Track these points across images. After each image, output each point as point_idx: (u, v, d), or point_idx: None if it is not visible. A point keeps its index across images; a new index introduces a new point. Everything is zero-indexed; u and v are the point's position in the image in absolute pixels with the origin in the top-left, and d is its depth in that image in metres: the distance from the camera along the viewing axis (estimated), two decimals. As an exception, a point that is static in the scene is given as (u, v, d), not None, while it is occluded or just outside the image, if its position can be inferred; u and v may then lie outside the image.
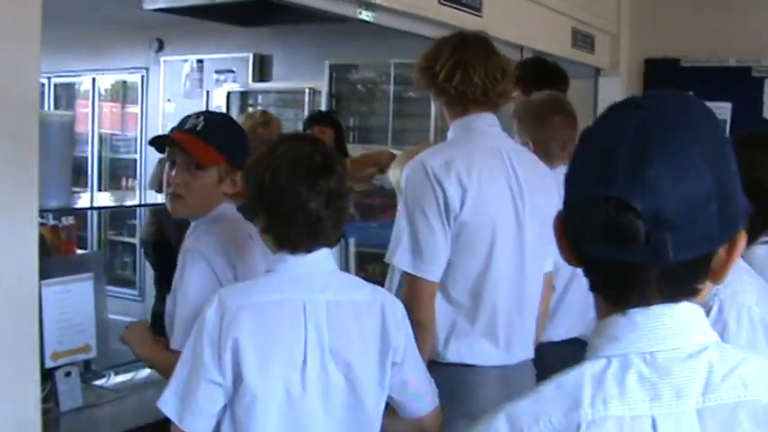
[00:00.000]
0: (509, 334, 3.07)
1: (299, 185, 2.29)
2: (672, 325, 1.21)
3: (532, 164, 3.20)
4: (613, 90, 7.10)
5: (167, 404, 2.32)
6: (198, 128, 2.76)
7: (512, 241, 3.02)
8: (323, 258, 2.39)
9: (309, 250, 2.35)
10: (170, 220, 6.82)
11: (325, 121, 6.02)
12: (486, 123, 3.11)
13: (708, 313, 1.80)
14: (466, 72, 3.05)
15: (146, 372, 3.44)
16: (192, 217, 2.84)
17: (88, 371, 3.14)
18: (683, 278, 1.22)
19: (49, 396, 2.90)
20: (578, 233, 1.27)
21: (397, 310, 2.46)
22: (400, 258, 2.92)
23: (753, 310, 2.14)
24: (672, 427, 1.14)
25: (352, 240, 4.92)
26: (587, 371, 1.21)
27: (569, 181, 1.30)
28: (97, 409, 3.03)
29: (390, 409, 2.54)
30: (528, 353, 3.17)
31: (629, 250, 1.18)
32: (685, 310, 1.22)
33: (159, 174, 6.85)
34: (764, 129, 6.27)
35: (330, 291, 2.36)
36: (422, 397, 2.54)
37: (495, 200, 3.01)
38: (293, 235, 2.34)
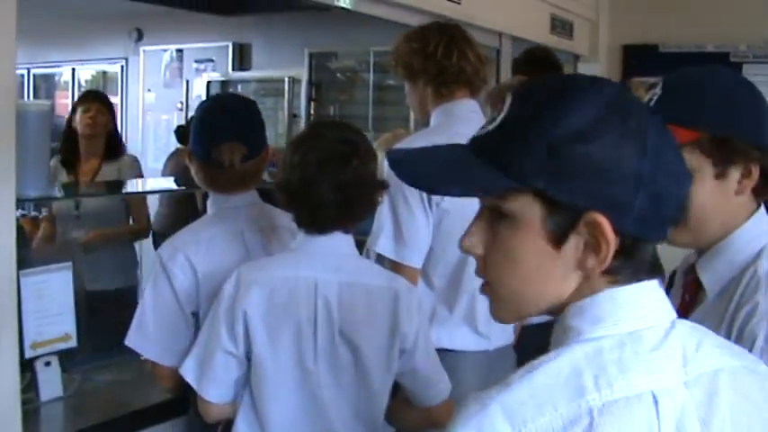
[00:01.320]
0: (488, 320, 3.07)
1: (310, 167, 2.35)
2: (647, 302, 1.21)
3: None
4: (592, 76, 7.11)
5: (188, 370, 2.47)
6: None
7: None
8: (342, 241, 2.45)
9: (321, 232, 2.41)
10: (182, 211, 6.83)
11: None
12: (467, 109, 3.13)
13: (752, 344, 1.68)
14: (462, 50, 3.07)
15: (127, 362, 3.44)
16: None
17: (69, 361, 3.13)
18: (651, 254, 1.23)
19: (30, 386, 2.90)
20: None
21: (413, 299, 2.51)
22: (383, 245, 2.94)
23: None
24: (669, 400, 1.14)
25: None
26: (579, 354, 1.16)
27: None
28: (78, 398, 3.03)
29: (403, 398, 2.59)
30: (507, 338, 3.19)
31: None
32: (654, 286, 1.22)
33: (177, 165, 6.82)
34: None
35: (344, 273, 2.42)
36: (433, 386, 2.57)
37: None
38: (304, 216, 2.42)
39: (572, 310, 1.22)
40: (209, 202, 2.87)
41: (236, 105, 2.90)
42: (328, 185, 2.33)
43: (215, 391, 2.43)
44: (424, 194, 2.91)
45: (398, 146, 3.06)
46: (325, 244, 2.42)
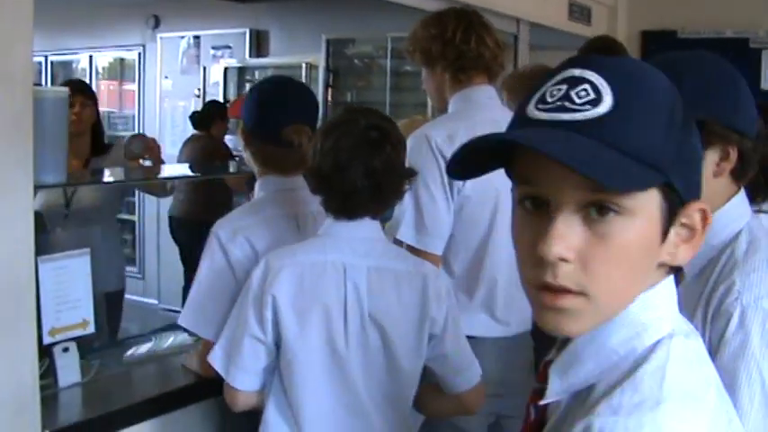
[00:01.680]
0: (507, 307, 3.08)
1: (342, 154, 2.36)
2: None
3: None
4: (611, 62, 7.08)
5: (216, 358, 2.49)
6: None
7: (510, 214, 3.02)
8: (370, 226, 2.46)
9: (350, 218, 2.43)
10: (199, 197, 6.83)
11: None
12: (485, 96, 3.13)
13: (727, 322, 1.73)
14: (480, 35, 3.06)
15: (145, 347, 3.46)
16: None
17: (87, 346, 3.14)
18: None
19: (48, 372, 2.90)
20: None
21: (441, 284, 2.53)
22: (404, 232, 2.94)
23: None
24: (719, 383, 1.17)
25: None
26: (680, 362, 1.14)
27: None
28: (96, 384, 3.03)
29: (433, 386, 2.61)
30: (526, 325, 3.19)
31: None
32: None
33: (193, 151, 6.79)
34: (763, 100, 6.25)
35: (372, 257, 2.44)
36: (462, 372, 2.58)
37: (497, 173, 3.00)
38: (332, 201, 2.43)
39: (641, 303, 1.17)
40: (259, 184, 2.91)
41: (297, 88, 3.01)
42: (361, 171, 2.35)
43: (243, 378, 2.45)
44: (446, 180, 2.91)
45: (420, 129, 3.06)
46: (353, 229, 2.44)
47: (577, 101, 1.12)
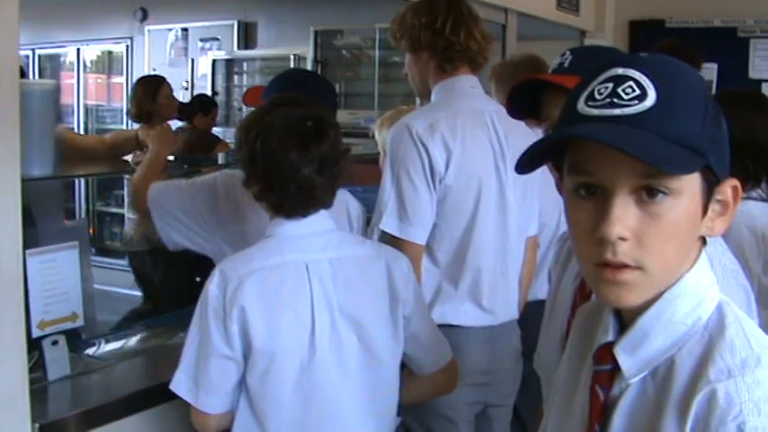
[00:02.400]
0: (492, 295, 3.09)
1: (291, 152, 2.28)
2: None
3: (516, 125, 3.19)
4: (599, 52, 7.08)
5: (180, 386, 2.34)
6: None
7: (494, 203, 3.03)
8: (320, 218, 2.39)
9: (305, 215, 2.35)
10: None
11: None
12: (468, 85, 3.13)
13: None
14: (469, 28, 3.06)
15: (134, 339, 3.45)
16: None
17: (76, 340, 3.13)
18: None
19: (37, 365, 2.89)
20: None
21: (402, 263, 2.49)
22: (387, 222, 2.93)
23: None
24: None
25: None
26: (745, 320, 1.30)
27: None
28: (85, 377, 3.03)
29: (405, 371, 2.56)
30: (512, 314, 3.20)
31: None
32: None
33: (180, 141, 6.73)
34: (751, 89, 6.26)
35: (331, 249, 2.38)
36: (434, 351, 2.58)
37: (479, 162, 3.01)
38: (287, 202, 2.34)
39: (695, 276, 1.32)
40: None
41: (315, 75, 3.10)
42: (315, 166, 2.29)
43: (213, 401, 2.32)
44: (428, 169, 2.90)
45: (401, 119, 3.05)
46: (306, 225, 2.37)
47: (625, 97, 1.25)
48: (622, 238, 1.24)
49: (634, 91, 1.25)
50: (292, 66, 7.94)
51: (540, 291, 3.92)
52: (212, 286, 2.28)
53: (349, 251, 2.42)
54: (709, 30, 6.86)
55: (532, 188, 3.23)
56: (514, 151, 3.09)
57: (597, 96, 1.27)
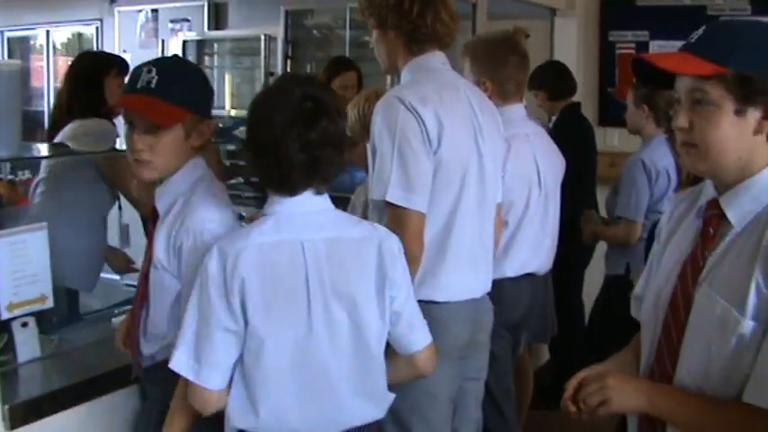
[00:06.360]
0: (474, 267, 3.13)
1: (287, 131, 2.29)
2: None
3: (485, 100, 3.27)
4: (569, 30, 7.11)
5: (180, 364, 2.33)
6: (152, 85, 2.53)
7: (476, 177, 3.06)
8: (317, 198, 2.40)
9: (292, 194, 2.36)
10: None
11: (349, 66, 6.17)
12: (439, 61, 3.15)
13: None
14: (437, 10, 3.06)
15: (104, 322, 3.45)
16: (162, 177, 2.66)
17: (46, 322, 3.13)
18: None
19: (7, 347, 2.90)
20: None
21: (393, 244, 2.50)
22: (392, 194, 2.88)
23: None
24: None
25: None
26: None
27: None
28: (56, 359, 3.03)
29: (387, 350, 2.57)
30: (488, 285, 3.23)
31: None
32: None
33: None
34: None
35: (327, 229, 2.39)
36: (416, 330, 2.59)
37: (464, 137, 3.04)
38: (271, 177, 2.36)
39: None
40: None
41: None
42: (296, 146, 2.29)
43: (215, 376, 2.33)
44: (426, 139, 2.89)
45: (388, 94, 3.03)
46: (301, 204, 2.38)
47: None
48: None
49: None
50: (262, 47, 7.91)
51: (510, 268, 3.96)
52: (212, 263, 2.29)
53: (344, 232, 2.43)
54: (680, 8, 6.88)
55: (500, 157, 3.33)
56: (488, 124, 3.15)
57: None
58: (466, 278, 3.12)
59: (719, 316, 1.91)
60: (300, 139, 2.29)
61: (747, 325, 1.87)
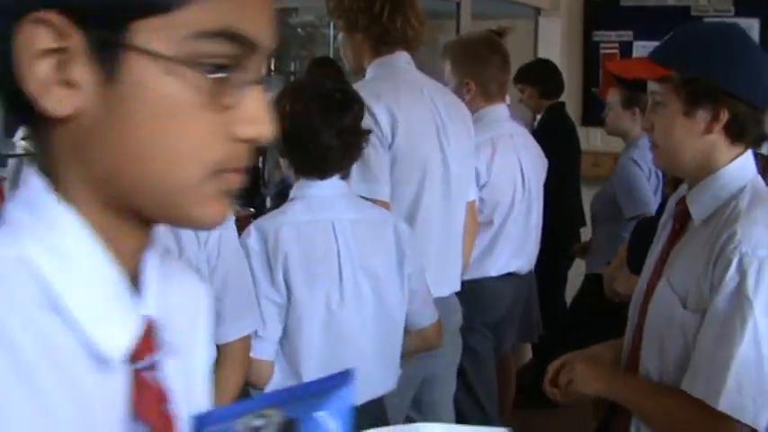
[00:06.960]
0: (440, 266, 3.13)
1: (316, 118, 2.45)
2: None
3: (451, 100, 3.34)
4: (553, 30, 7.11)
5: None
6: None
7: (439, 175, 3.11)
8: (340, 183, 2.58)
9: (322, 177, 2.53)
10: None
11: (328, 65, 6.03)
12: (404, 61, 3.21)
13: (726, 267, 1.94)
14: (406, 14, 3.08)
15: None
16: None
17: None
18: None
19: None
20: None
21: (404, 226, 2.71)
22: (354, 188, 2.90)
23: None
24: None
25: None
26: None
27: None
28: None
29: None
30: (456, 284, 3.26)
31: None
32: None
33: None
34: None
35: (350, 211, 2.58)
36: (426, 308, 2.77)
37: (423, 135, 3.08)
38: (307, 163, 2.53)
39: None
40: None
41: None
42: (333, 132, 2.45)
43: (269, 348, 2.48)
44: (379, 133, 2.95)
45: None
46: (328, 188, 2.55)
47: None
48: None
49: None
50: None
51: (494, 267, 3.96)
52: (252, 241, 2.46)
53: (364, 214, 2.63)
54: (664, 8, 6.88)
55: (470, 156, 3.37)
56: (454, 124, 3.20)
57: None
58: (430, 276, 3.11)
59: (669, 308, 2.03)
60: (336, 126, 2.45)
61: (685, 315, 1.98)
